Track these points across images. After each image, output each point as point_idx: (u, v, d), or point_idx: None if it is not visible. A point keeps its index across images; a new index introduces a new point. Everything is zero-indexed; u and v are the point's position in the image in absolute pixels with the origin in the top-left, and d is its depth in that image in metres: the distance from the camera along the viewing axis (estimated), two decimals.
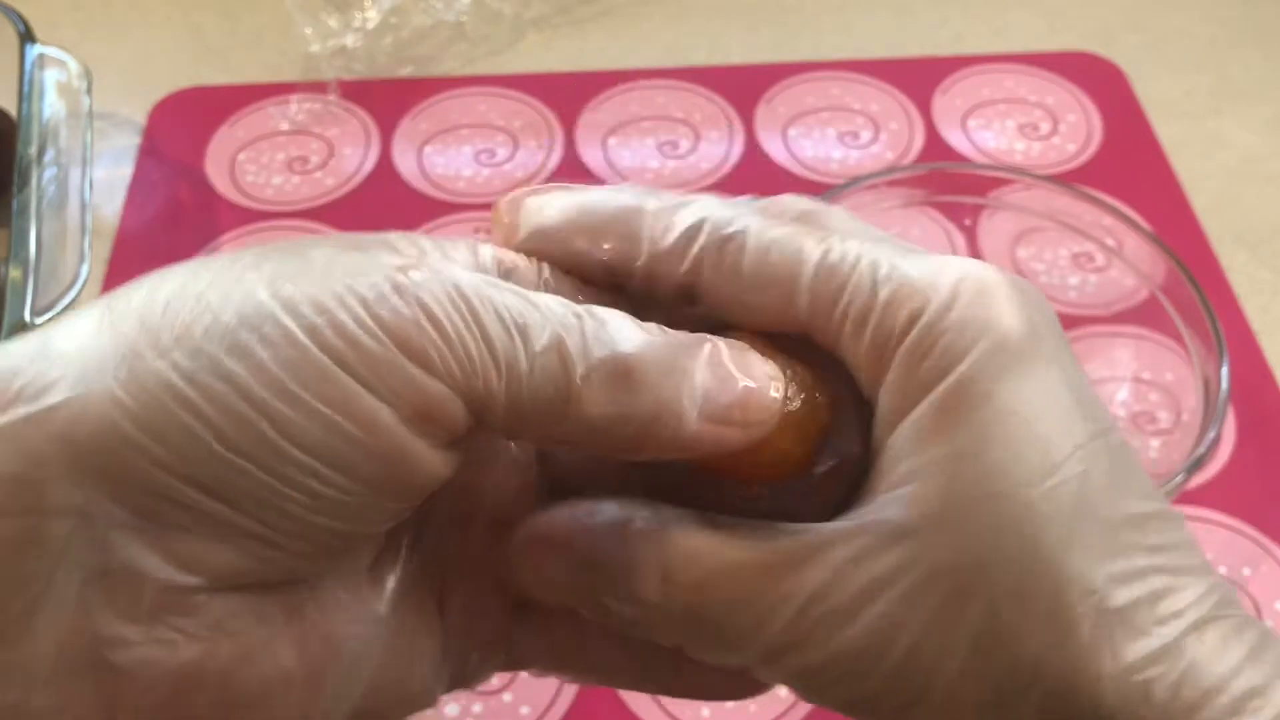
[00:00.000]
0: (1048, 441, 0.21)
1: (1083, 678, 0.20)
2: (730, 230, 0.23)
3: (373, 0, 0.67)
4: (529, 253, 0.25)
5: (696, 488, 0.23)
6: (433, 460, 0.21)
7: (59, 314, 0.44)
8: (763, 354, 0.23)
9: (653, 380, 0.21)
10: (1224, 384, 0.42)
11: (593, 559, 0.23)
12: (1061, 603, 0.21)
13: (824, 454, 0.23)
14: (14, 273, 0.44)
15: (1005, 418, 0.21)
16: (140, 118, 0.63)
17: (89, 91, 0.52)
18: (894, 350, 0.22)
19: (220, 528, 0.20)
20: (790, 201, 0.25)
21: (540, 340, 0.21)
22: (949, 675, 0.21)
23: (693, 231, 0.24)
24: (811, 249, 0.23)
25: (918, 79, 0.65)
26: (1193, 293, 0.45)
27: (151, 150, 0.62)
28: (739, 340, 0.23)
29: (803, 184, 0.60)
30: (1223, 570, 0.46)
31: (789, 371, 0.23)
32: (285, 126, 0.63)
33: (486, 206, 0.59)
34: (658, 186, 0.59)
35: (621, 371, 0.21)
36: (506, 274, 0.24)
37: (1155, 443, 0.47)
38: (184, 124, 0.63)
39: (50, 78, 0.51)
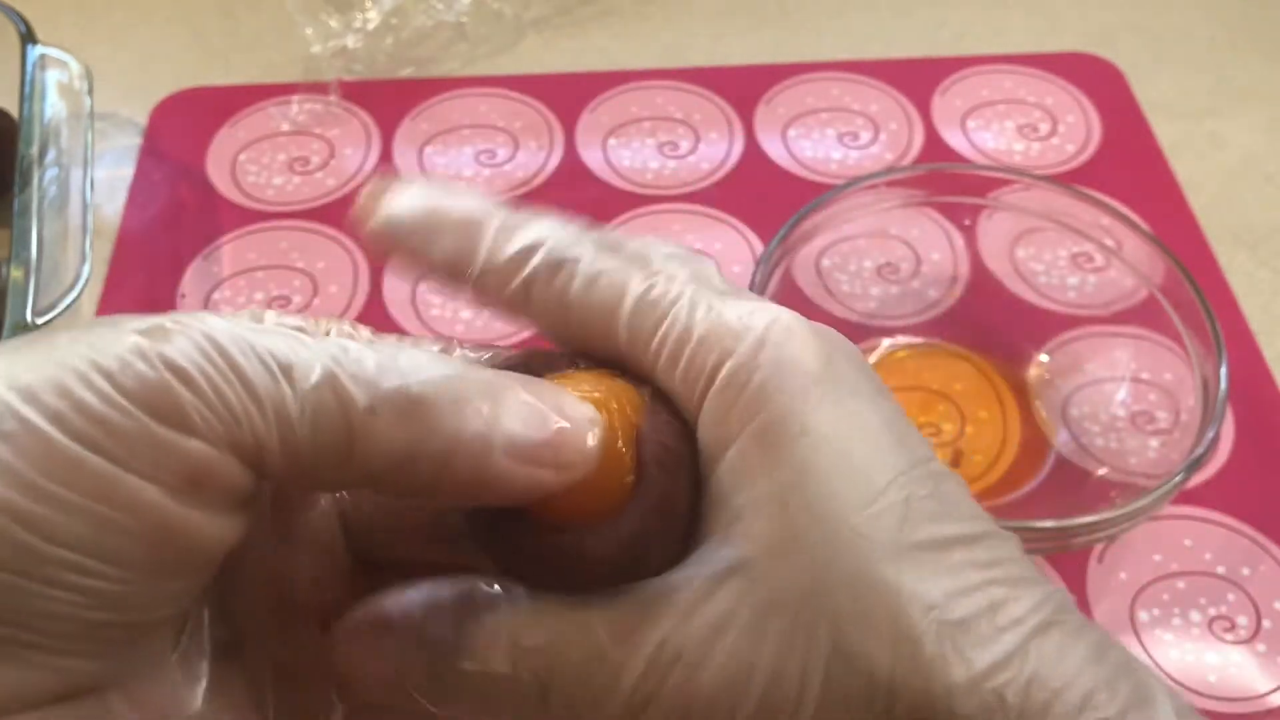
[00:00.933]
0: (867, 470, 0.22)
1: (937, 689, 0.21)
2: (563, 256, 0.24)
3: (373, 1, 0.67)
4: (377, 242, 0.25)
5: (512, 536, 0.22)
6: (214, 528, 0.20)
7: (60, 314, 0.44)
8: (587, 394, 0.22)
9: (447, 413, 0.21)
10: (1223, 384, 0.42)
11: (429, 636, 0.22)
12: (903, 619, 0.21)
13: (647, 493, 0.22)
14: (15, 273, 0.44)
15: (822, 448, 0.22)
16: (141, 118, 0.63)
17: (90, 92, 0.52)
18: (707, 385, 0.22)
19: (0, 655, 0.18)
20: (623, 239, 0.25)
21: (310, 377, 0.20)
22: (810, 703, 0.21)
23: (528, 252, 0.24)
24: (636, 284, 0.23)
25: (917, 79, 0.65)
26: (1192, 293, 0.45)
27: (152, 150, 0.62)
28: (571, 377, 0.23)
29: (803, 184, 0.60)
30: (1221, 570, 0.46)
31: (612, 409, 0.22)
32: (286, 127, 0.63)
33: None
34: (658, 187, 0.60)
35: (410, 403, 0.20)
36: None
37: (1155, 443, 0.47)
38: (185, 124, 0.63)
39: (51, 78, 0.51)
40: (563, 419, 0.22)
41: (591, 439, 0.22)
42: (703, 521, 0.23)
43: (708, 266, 0.25)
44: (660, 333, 0.23)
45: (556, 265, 0.24)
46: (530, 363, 0.24)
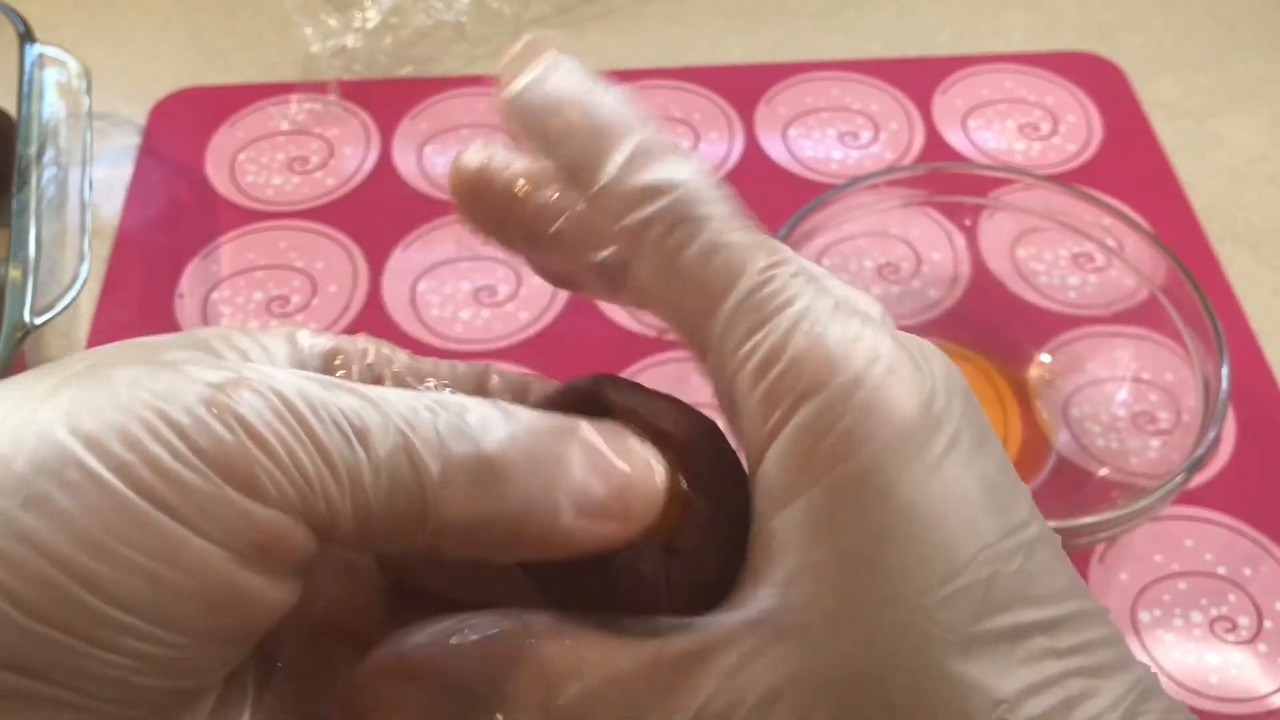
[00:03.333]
0: (951, 543, 0.19)
1: None
2: (692, 211, 0.21)
3: (373, 0, 0.67)
4: (507, 113, 0.23)
5: (553, 569, 0.22)
6: (274, 594, 0.19)
7: (59, 314, 0.44)
8: (639, 434, 0.21)
9: (521, 476, 0.20)
10: (1224, 384, 0.42)
11: (457, 683, 0.21)
12: (965, 718, 0.19)
13: (692, 527, 0.21)
14: (14, 273, 0.44)
15: (905, 515, 0.19)
16: (140, 118, 0.63)
17: (89, 91, 0.52)
18: (788, 414, 0.20)
19: (34, 705, 0.17)
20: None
21: (384, 444, 0.19)
22: None
23: (657, 191, 0.21)
24: (753, 272, 0.21)
25: (918, 79, 0.65)
26: (1193, 293, 0.45)
27: (151, 150, 0.62)
28: (614, 424, 0.22)
29: (803, 184, 0.60)
30: (1222, 571, 0.46)
31: (664, 450, 0.21)
32: (285, 126, 0.63)
33: None
34: None
35: (484, 469, 0.19)
36: (331, 360, 0.23)
37: (1155, 443, 0.47)
38: (184, 124, 0.63)
39: (50, 78, 0.51)
40: (627, 464, 0.20)
41: (657, 486, 0.21)
42: (757, 560, 0.21)
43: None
44: (755, 339, 0.21)
45: (681, 218, 0.21)
46: (597, 390, 0.23)
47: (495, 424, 0.20)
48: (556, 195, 0.24)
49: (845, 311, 0.21)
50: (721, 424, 0.23)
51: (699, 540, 0.21)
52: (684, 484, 0.21)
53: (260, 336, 0.22)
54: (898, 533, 0.19)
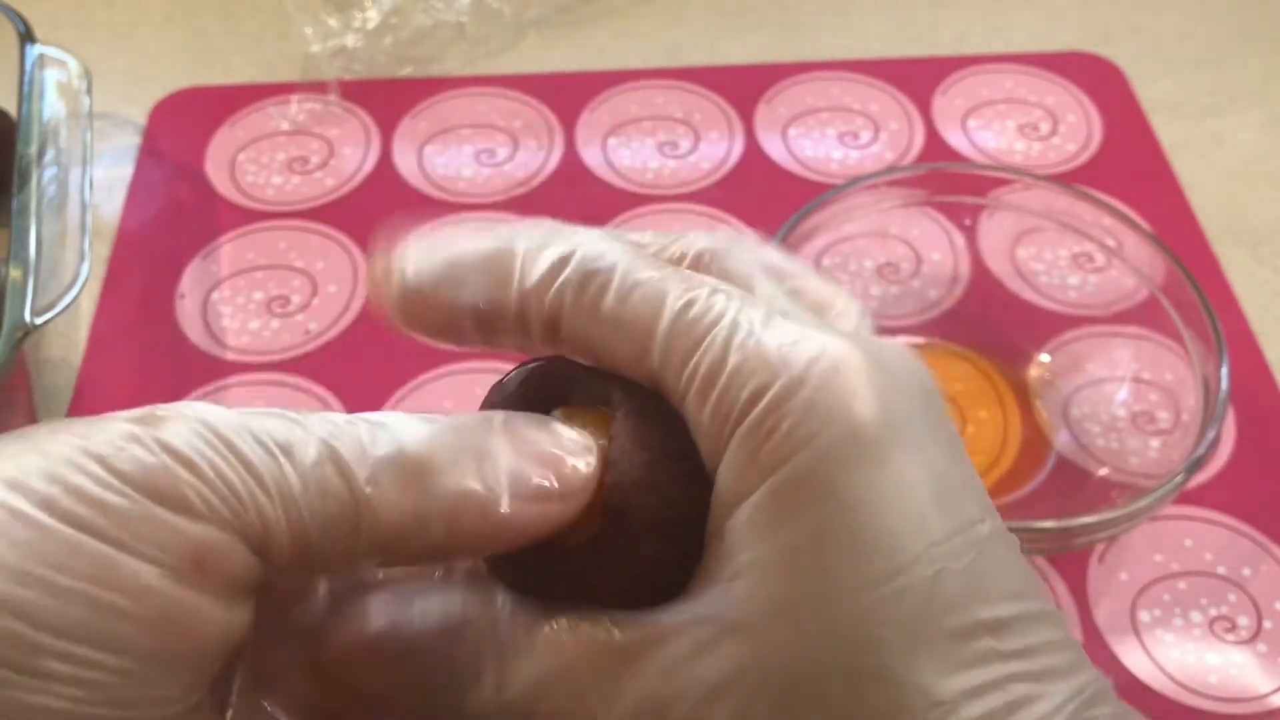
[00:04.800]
0: (895, 540, 0.19)
1: None
2: (595, 266, 0.22)
3: (373, 1, 0.67)
4: (403, 314, 0.23)
5: (533, 567, 0.22)
6: (219, 614, 0.19)
7: (59, 314, 0.44)
8: (586, 421, 0.22)
9: (448, 468, 0.20)
10: (1224, 384, 0.42)
11: (419, 663, 0.21)
12: (902, 718, 0.19)
13: (646, 519, 0.21)
14: (14, 273, 0.44)
15: (847, 513, 0.19)
16: (140, 118, 0.63)
17: (89, 91, 0.52)
18: (735, 424, 0.20)
19: None
20: (692, 240, 0.24)
21: (308, 454, 0.19)
22: None
23: (559, 265, 0.22)
24: (674, 298, 0.21)
25: (918, 79, 0.65)
26: (1193, 293, 0.45)
27: (151, 150, 0.62)
28: (535, 414, 0.22)
29: (803, 184, 0.60)
30: (1222, 571, 0.46)
31: (609, 434, 0.22)
32: (285, 126, 0.63)
33: (487, 206, 0.59)
34: (658, 186, 0.60)
35: (409, 465, 0.20)
36: None
37: (1155, 443, 0.47)
38: (184, 124, 0.63)
39: (50, 78, 0.51)
40: (555, 447, 0.21)
41: (586, 463, 0.21)
42: (709, 561, 0.21)
43: (770, 254, 0.24)
44: (693, 363, 0.21)
45: (588, 276, 0.22)
46: (549, 374, 0.23)
47: (414, 427, 0.20)
48: (482, 293, 0.24)
49: (779, 317, 0.21)
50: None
51: (639, 514, 0.21)
52: (627, 459, 0.21)
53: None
54: (838, 531, 0.19)
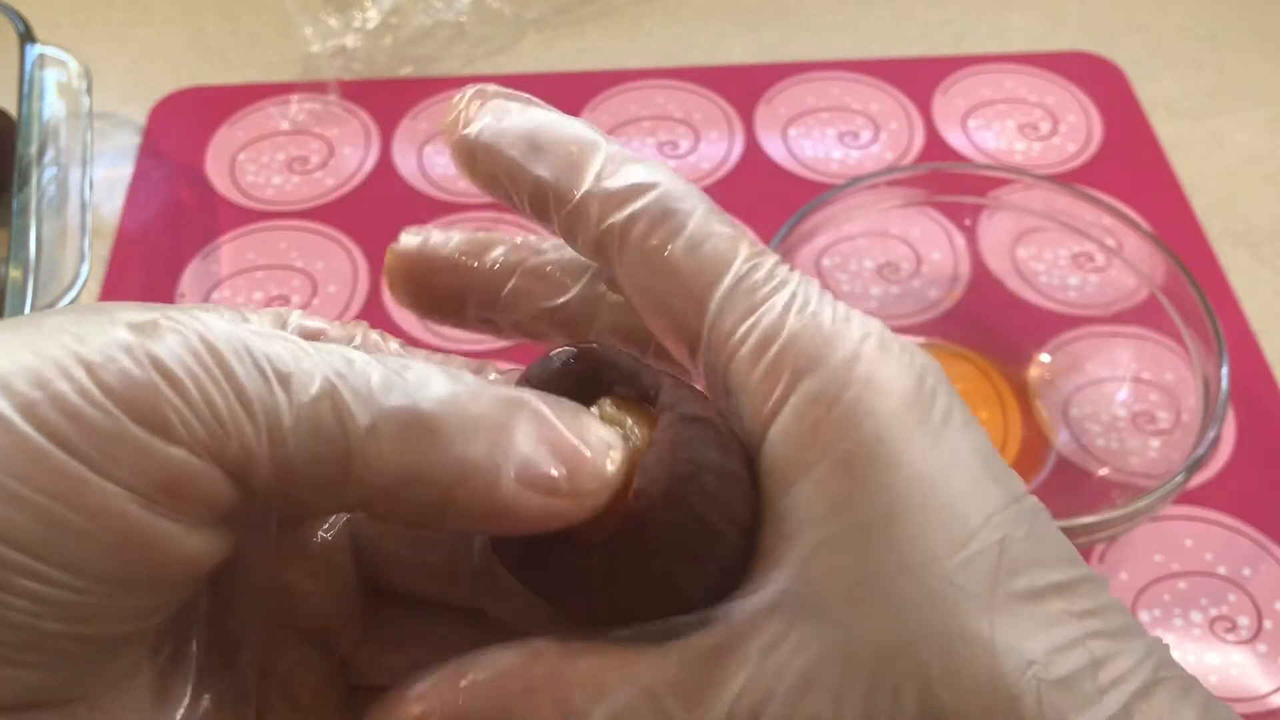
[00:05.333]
0: (962, 509, 0.20)
1: None
2: (676, 206, 0.22)
3: (373, 1, 0.67)
4: (469, 151, 0.23)
5: (541, 561, 0.21)
6: (190, 543, 0.18)
7: None
8: (634, 416, 0.21)
9: (457, 435, 0.19)
10: (1224, 384, 0.42)
11: None
12: (1000, 679, 0.19)
13: (667, 535, 0.20)
14: (14, 273, 0.44)
15: (916, 484, 0.20)
16: (140, 118, 0.63)
17: (89, 91, 0.52)
18: (789, 389, 0.20)
19: None
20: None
21: (309, 388, 0.18)
22: None
23: (638, 189, 0.22)
24: (742, 259, 0.22)
25: (918, 79, 0.65)
26: (1193, 293, 0.45)
27: (151, 150, 0.62)
28: (575, 404, 0.21)
29: (803, 184, 0.60)
30: (1222, 570, 0.46)
31: (637, 432, 0.21)
32: (285, 126, 0.63)
33: (487, 206, 0.59)
34: None
35: (415, 423, 0.19)
36: (310, 336, 0.22)
37: (1155, 443, 0.47)
38: (184, 124, 0.63)
39: (50, 77, 0.51)
40: (581, 442, 0.20)
41: (611, 465, 0.20)
42: (769, 548, 0.21)
43: None
44: (750, 321, 0.21)
45: (666, 213, 0.22)
46: (597, 360, 0.22)
47: (436, 383, 0.19)
48: (502, 256, 0.25)
49: (830, 296, 0.22)
50: None
51: (661, 528, 0.20)
52: (662, 467, 0.20)
53: (247, 313, 0.22)
54: (912, 502, 0.19)
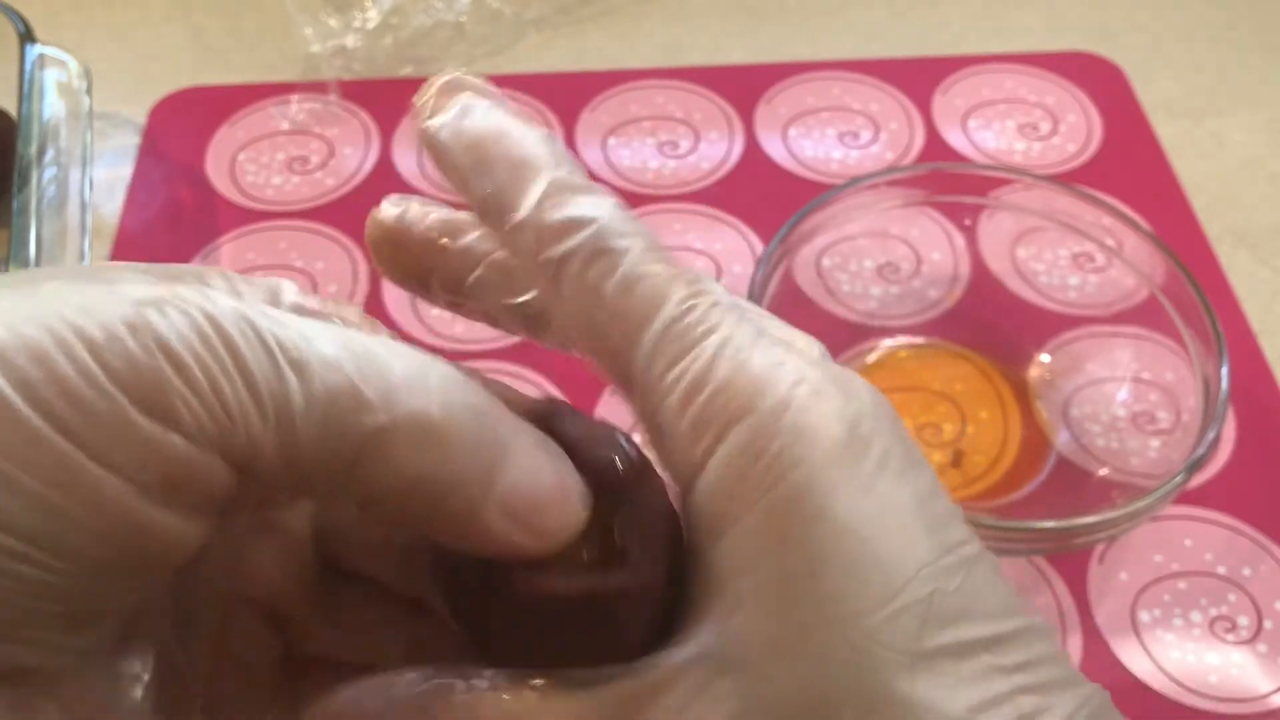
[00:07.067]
0: (890, 562, 0.19)
1: None
2: (611, 244, 0.21)
3: (373, 1, 0.67)
4: (428, 142, 0.23)
5: (487, 576, 0.21)
6: (182, 532, 0.18)
7: None
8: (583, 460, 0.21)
9: (464, 448, 0.19)
10: (1224, 384, 0.42)
11: None
12: None
13: (630, 557, 0.21)
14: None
15: (842, 536, 0.19)
16: (140, 118, 0.63)
17: (89, 91, 0.52)
18: (717, 439, 0.20)
19: None
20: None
21: (326, 378, 0.18)
22: None
23: (576, 224, 0.21)
24: (675, 301, 0.21)
25: (918, 79, 0.65)
26: (1193, 293, 0.45)
27: (151, 150, 0.62)
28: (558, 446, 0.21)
29: (803, 184, 0.60)
30: (1222, 570, 0.46)
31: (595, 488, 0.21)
32: (285, 126, 0.63)
33: None
34: (658, 186, 0.59)
35: (432, 428, 0.18)
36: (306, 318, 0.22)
37: (1155, 443, 0.47)
38: (184, 124, 0.63)
39: (50, 78, 0.51)
40: (560, 486, 0.20)
41: (579, 517, 0.20)
42: (696, 601, 0.20)
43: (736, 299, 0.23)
44: (680, 367, 0.21)
45: (599, 251, 0.21)
46: (551, 413, 0.22)
47: (457, 390, 0.19)
48: (474, 243, 0.24)
49: (767, 339, 0.21)
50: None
51: (611, 575, 0.20)
52: (612, 528, 0.21)
53: (240, 280, 0.21)
54: (836, 554, 0.19)
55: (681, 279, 0.21)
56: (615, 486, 0.21)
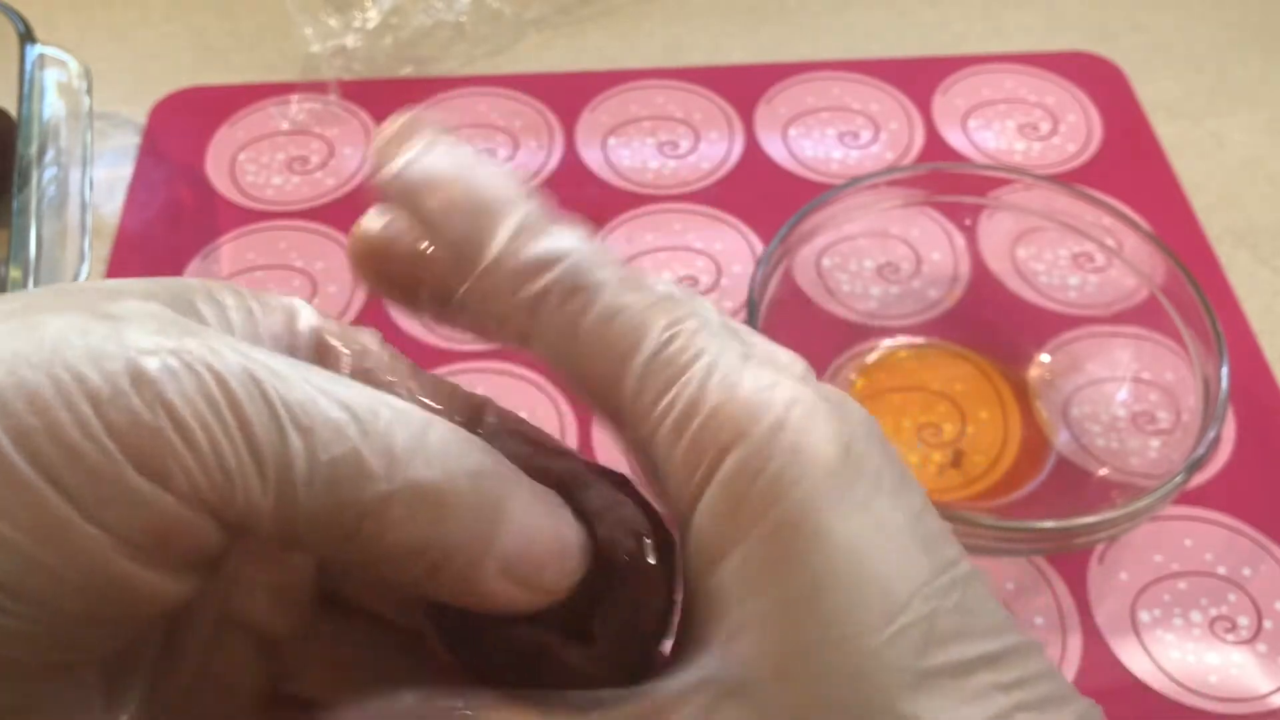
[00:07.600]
0: (890, 583, 0.19)
1: None
2: (585, 279, 0.21)
3: (373, 1, 0.67)
4: (384, 191, 0.22)
5: (469, 630, 0.21)
6: (168, 588, 0.17)
7: None
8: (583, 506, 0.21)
9: (461, 514, 0.19)
10: (1224, 384, 0.42)
11: None
12: None
13: (619, 602, 0.21)
14: (14, 273, 0.44)
15: (842, 557, 0.19)
16: (140, 118, 0.63)
17: (89, 91, 0.52)
18: (713, 466, 0.20)
19: None
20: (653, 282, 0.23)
21: (330, 446, 0.17)
22: None
23: (548, 262, 0.21)
24: (657, 331, 0.21)
25: (918, 79, 0.65)
26: (1193, 293, 0.45)
27: (151, 150, 0.62)
28: (552, 491, 0.21)
29: (803, 184, 0.60)
30: (1222, 571, 0.46)
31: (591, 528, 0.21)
32: (285, 126, 0.63)
33: None
34: (658, 186, 0.60)
35: (433, 495, 0.18)
36: (325, 351, 0.22)
37: (1155, 443, 0.47)
38: (184, 124, 0.63)
39: (50, 78, 0.51)
40: (559, 537, 0.20)
41: (576, 573, 0.20)
42: (697, 626, 0.20)
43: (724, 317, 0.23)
44: (669, 396, 0.20)
45: (575, 287, 0.21)
46: (575, 480, 0.22)
47: (457, 451, 0.19)
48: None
49: (754, 361, 0.21)
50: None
51: (612, 618, 0.21)
52: (593, 614, 0.21)
53: (254, 299, 0.21)
54: (837, 575, 0.19)
55: (660, 307, 0.21)
56: (615, 575, 0.21)
